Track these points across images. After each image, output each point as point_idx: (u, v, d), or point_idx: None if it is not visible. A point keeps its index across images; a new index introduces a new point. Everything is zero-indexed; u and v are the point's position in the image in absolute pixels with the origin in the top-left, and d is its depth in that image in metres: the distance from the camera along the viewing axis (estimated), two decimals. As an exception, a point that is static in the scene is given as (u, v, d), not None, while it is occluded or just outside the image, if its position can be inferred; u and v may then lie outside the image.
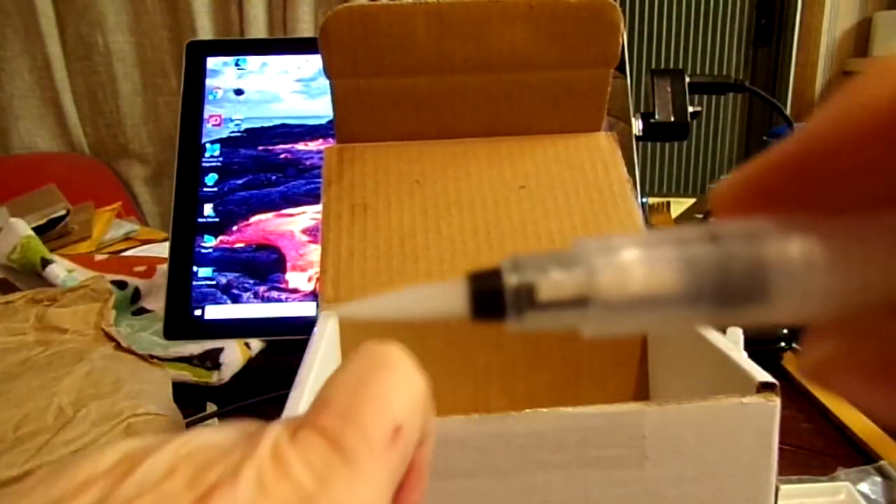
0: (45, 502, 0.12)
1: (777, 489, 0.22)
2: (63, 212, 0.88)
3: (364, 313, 0.11)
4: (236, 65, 0.64)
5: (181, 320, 0.56)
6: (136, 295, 0.68)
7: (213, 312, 0.57)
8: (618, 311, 0.11)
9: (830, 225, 0.12)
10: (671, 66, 1.85)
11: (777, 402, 0.20)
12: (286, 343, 0.58)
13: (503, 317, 0.11)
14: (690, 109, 0.61)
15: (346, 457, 0.12)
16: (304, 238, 0.59)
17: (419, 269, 0.32)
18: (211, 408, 0.50)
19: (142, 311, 0.66)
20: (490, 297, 0.10)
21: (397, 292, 0.11)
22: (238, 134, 0.62)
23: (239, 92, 0.63)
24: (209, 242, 0.59)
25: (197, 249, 0.58)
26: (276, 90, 0.63)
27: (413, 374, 0.14)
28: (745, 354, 0.23)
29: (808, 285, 0.11)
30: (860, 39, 1.74)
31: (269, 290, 0.57)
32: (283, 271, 0.58)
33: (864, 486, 0.40)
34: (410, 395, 0.14)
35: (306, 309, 0.57)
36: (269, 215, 0.60)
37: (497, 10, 0.34)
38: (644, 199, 0.73)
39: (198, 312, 0.57)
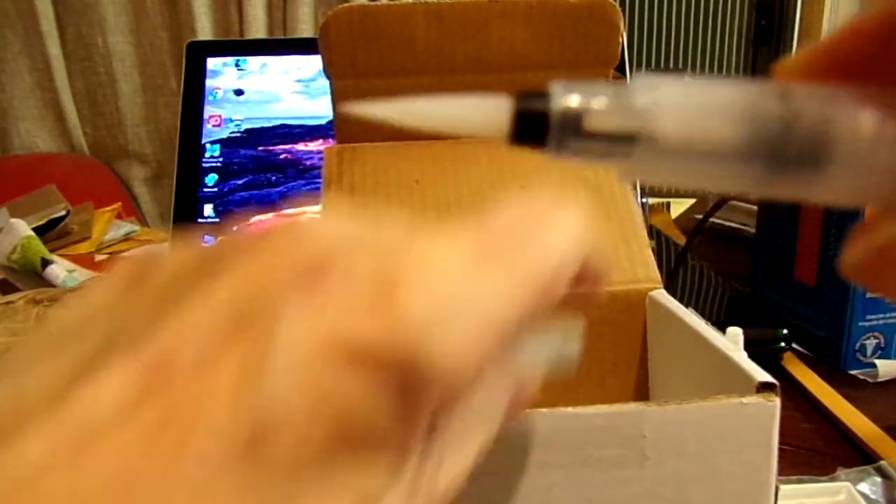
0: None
1: (777, 489, 0.22)
2: (63, 212, 0.89)
3: (390, 113, 0.10)
4: (236, 65, 0.64)
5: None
6: (136, 295, 0.68)
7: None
8: (665, 155, 0.10)
9: None
10: (671, 66, 1.85)
11: (777, 402, 0.20)
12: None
13: (543, 143, 0.10)
14: (690, 110, 0.61)
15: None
16: (304, 238, 0.59)
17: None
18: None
19: (142, 312, 0.66)
20: (534, 119, 0.10)
21: (433, 98, 0.10)
22: (238, 134, 0.62)
23: (239, 92, 0.63)
24: (209, 243, 0.59)
25: (197, 250, 0.58)
26: (276, 91, 0.63)
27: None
28: (744, 354, 0.23)
29: (872, 160, 0.11)
30: (860, 40, 1.74)
31: (269, 290, 0.57)
32: (283, 272, 0.58)
33: (864, 487, 0.40)
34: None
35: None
36: (270, 216, 0.60)
37: (497, 10, 0.34)
38: (644, 200, 0.73)
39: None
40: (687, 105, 0.10)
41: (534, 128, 0.10)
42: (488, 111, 0.10)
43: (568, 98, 0.10)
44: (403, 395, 0.11)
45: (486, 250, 0.13)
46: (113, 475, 0.10)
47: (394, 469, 0.12)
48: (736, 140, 0.10)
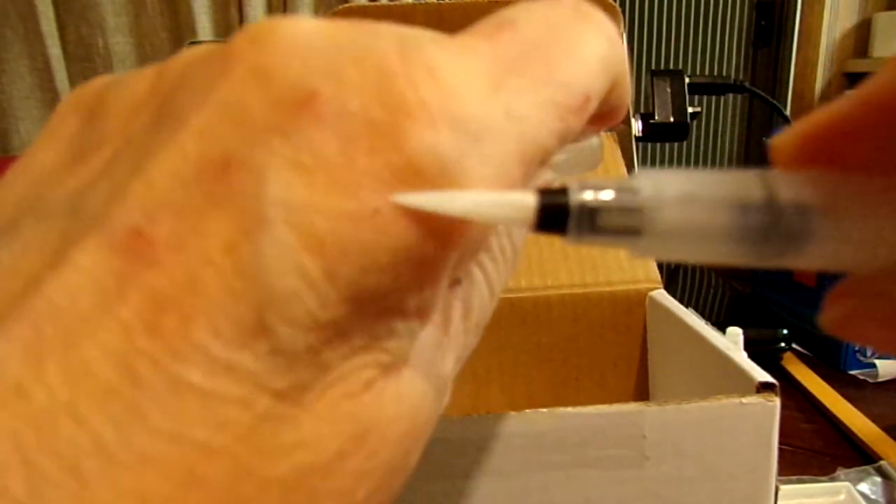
0: None
1: (777, 489, 0.22)
2: (63, 213, 0.89)
3: (429, 205, 0.10)
4: (236, 65, 0.64)
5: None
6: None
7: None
8: (666, 241, 0.12)
9: (880, 187, 0.12)
10: (671, 66, 1.85)
11: (777, 402, 0.20)
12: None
13: (564, 234, 0.11)
14: (690, 110, 0.61)
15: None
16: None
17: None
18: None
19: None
20: (556, 214, 0.11)
21: (466, 192, 0.10)
22: (238, 135, 0.62)
23: (239, 93, 0.63)
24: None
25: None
26: (276, 91, 0.63)
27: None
28: (744, 354, 0.23)
29: (847, 237, 0.12)
30: (860, 40, 1.74)
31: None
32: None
33: (863, 487, 0.40)
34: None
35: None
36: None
37: (497, 11, 0.34)
38: (644, 200, 0.73)
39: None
40: (683, 199, 0.12)
41: (556, 222, 0.11)
42: (514, 206, 0.11)
43: (583, 196, 0.11)
44: (421, 254, 0.10)
45: (509, 63, 0.11)
46: (116, 362, 0.09)
47: (414, 331, 0.11)
48: (726, 229, 0.12)
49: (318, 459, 0.10)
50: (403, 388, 0.11)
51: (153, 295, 0.09)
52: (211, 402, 0.09)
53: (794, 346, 0.58)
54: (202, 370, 0.09)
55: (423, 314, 0.11)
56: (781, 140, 0.14)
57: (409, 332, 0.11)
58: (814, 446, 0.46)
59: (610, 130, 0.39)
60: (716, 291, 0.69)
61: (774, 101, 0.73)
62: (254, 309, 0.09)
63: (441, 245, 0.10)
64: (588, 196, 0.11)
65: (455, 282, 0.12)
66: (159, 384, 0.09)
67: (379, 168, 0.09)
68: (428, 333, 0.11)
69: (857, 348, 0.56)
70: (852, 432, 0.46)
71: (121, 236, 0.09)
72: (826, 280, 0.57)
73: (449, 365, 0.12)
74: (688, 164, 1.94)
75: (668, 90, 0.61)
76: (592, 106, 0.12)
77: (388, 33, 0.11)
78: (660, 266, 0.34)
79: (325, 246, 0.09)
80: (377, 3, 0.35)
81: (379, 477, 0.10)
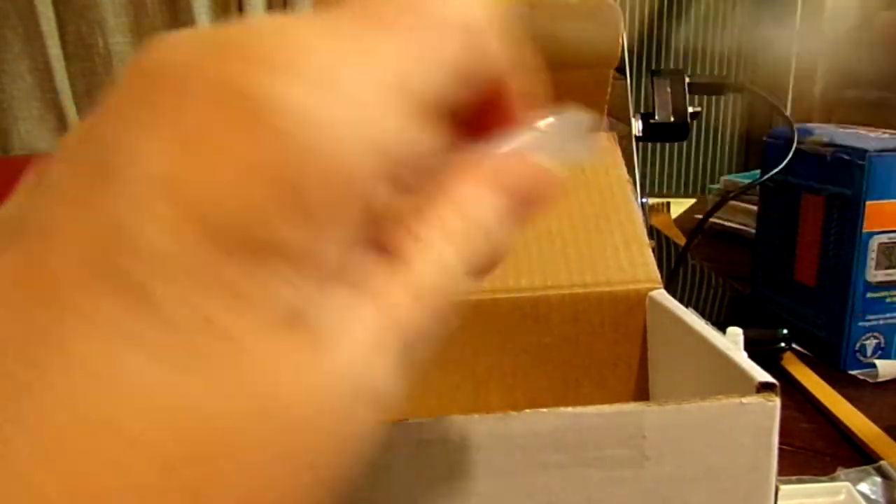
0: None
1: (777, 489, 0.22)
2: (63, 213, 0.88)
3: None
4: (236, 65, 0.64)
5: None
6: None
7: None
8: None
9: None
10: (671, 66, 1.85)
11: (777, 402, 0.20)
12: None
13: None
14: (690, 110, 0.61)
15: None
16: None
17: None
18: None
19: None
20: None
21: None
22: (238, 135, 0.62)
23: (239, 93, 0.63)
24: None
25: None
26: (276, 91, 0.63)
27: None
28: (744, 354, 0.23)
29: None
30: (860, 40, 1.74)
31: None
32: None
33: (863, 487, 0.40)
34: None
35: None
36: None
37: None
38: (644, 200, 0.73)
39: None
40: None
41: None
42: None
43: None
44: (305, 204, 0.10)
45: (370, 19, 0.11)
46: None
47: (320, 278, 0.11)
48: None
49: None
50: (318, 363, 0.10)
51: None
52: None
53: (794, 346, 0.58)
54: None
55: (305, 261, 0.10)
56: None
57: (308, 280, 0.10)
58: (814, 446, 0.46)
59: (611, 130, 0.39)
60: (716, 291, 0.69)
61: (774, 101, 0.73)
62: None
63: (320, 200, 0.10)
64: None
65: (383, 249, 0.12)
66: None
67: (242, 147, 0.10)
68: (354, 310, 0.11)
69: (857, 348, 0.56)
70: (852, 432, 0.46)
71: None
72: (826, 281, 0.57)
73: (390, 354, 0.11)
74: (688, 164, 1.94)
75: (668, 90, 0.61)
76: (475, 60, 0.12)
77: (255, 21, 0.11)
78: (660, 266, 0.34)
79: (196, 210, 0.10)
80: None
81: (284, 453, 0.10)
